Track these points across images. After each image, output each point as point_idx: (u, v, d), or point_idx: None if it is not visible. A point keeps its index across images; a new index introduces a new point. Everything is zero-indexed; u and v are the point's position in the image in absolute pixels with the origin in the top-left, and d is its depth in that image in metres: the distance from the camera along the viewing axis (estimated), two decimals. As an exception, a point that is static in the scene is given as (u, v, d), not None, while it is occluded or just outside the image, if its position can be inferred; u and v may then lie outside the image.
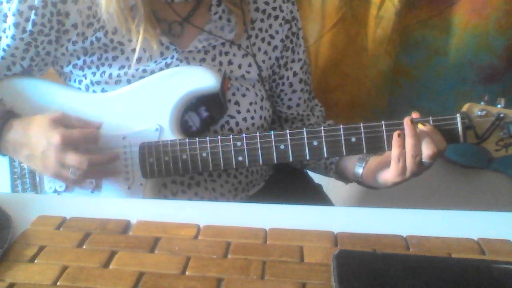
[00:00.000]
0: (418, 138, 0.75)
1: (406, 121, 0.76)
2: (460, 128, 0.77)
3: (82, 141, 0.81)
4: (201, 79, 0.85)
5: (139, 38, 0.84)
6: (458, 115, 0.77)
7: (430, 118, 0.78)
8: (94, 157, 0.80)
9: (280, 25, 0.95)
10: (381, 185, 0.84)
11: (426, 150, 0.75)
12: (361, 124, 0.78)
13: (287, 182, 1.04)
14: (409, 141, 0.75)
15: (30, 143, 0.81)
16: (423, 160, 0.76)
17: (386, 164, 0.80)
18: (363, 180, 0.88)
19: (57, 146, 0.77)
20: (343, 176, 0.95)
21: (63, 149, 0.78)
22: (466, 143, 0.78)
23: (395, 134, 0.76)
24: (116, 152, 0.85)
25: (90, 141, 0.82)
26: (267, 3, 0.94)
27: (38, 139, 0.80)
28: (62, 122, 0.81)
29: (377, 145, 0.79)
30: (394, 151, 0.76)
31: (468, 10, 1.10)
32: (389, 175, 0.79)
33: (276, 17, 0.94)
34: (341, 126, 0.79)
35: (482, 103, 0.78)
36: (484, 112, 0.78)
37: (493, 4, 1.08)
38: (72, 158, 0.78)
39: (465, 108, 0.79)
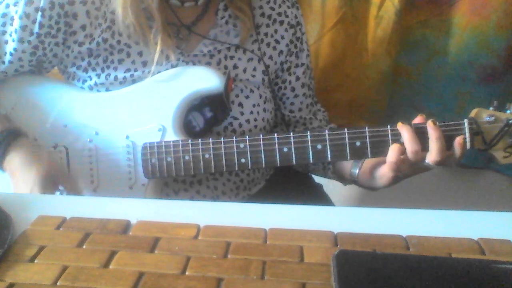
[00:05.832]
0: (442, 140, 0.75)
1: (430, 124, 0.75)
2: (467, 134, 0.75)
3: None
4: (205, 79, 0.85)
5: (157, 48, 0.84)
6: (466, 120, 0.76)
7: (436, 122, 0.76)
8: None
9: (286, 30, 0.95)
10: (377, 181, 0.84)
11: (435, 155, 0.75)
12: (366, 128, 0.77)
13: (288, 181, 1.04)
14: (435, 144, 0.75)
15: (18, 179, 0.82)
16: (426, 161, 0.76)
17: (382, 162, 0.81)
18: (359, 180, 0.88)
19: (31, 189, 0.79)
20: (340, 176, 0.95)
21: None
22: (473, 149, 0.76)
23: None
24: None
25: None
26: (272, 9, 0.95)
27: (24, 183, 0.81)
28: (56, 182, 0.82)
29: (382, 150, 0.78)
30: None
31: (468, 10, 1.10)
32: (385, 169, 0.80)
33: (282, 22, 0.95)
34: (345, 130, 0.78)
35: (490, 108, 0.77)
36: (493, 118, 0.76)
37: (493, 4, 1.08)
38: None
39: (473, 113, 0.77)
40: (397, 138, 0.77)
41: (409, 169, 0.79)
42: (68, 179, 0.84)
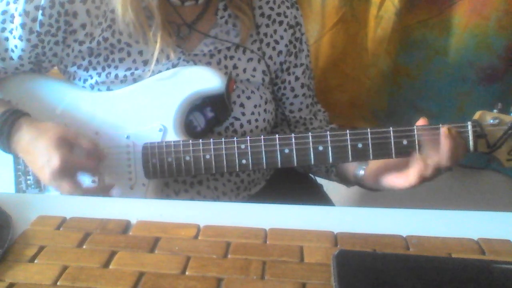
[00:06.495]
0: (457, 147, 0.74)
1: (445, 131, 0.74)
2: (471, 137, 0.75)
3: (80, 171, 0.81)
4: (206, 79, 0.85)
5: (156, 46, 0.84)
6: (469, 123, 0.76)
7: (440, 125, 0.76)
8: (89, 189, 0.83)
9: (285, 30, 0.95)
10: (386, 189, 0.84)
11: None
12: (368, 130, 0.77)
13: (288, 181, 1.04)
14: (448, 149, 0.74)
15: (33, 153, 0.81)
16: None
17: (391, 167, 0.80)
18: (365, 182, 0.88)
19: (54, 169, 0.78)
20: (344, 178, 0.95)
21: (59, 174, 0.78)
22: (477, 152, 0.76)
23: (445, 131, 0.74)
24: (112, 184, 0.85)
25: (88, 172, 0.83)
26: (272, 9, 0.95)
27: (40, 153, 0.80)
28: (70, 140, 0.81)
29: (384, 152, 0.77)
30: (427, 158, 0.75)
31: (468, 10, 1.10)
32: (401, 181, 0.79)
33: (281, 23, 0.95)
34: (347, 131, 0.78)
35: (494, 110, 0.76)
36: (497, 121, 0.75)
37: (493, 4, 1.08)
38: (66, 188, 0.79)
39: (476, 116, 0.77)
40: (399, 140, 0.77)
41: (432, 175, 0.77)
42: (79, 135, 0.83)
